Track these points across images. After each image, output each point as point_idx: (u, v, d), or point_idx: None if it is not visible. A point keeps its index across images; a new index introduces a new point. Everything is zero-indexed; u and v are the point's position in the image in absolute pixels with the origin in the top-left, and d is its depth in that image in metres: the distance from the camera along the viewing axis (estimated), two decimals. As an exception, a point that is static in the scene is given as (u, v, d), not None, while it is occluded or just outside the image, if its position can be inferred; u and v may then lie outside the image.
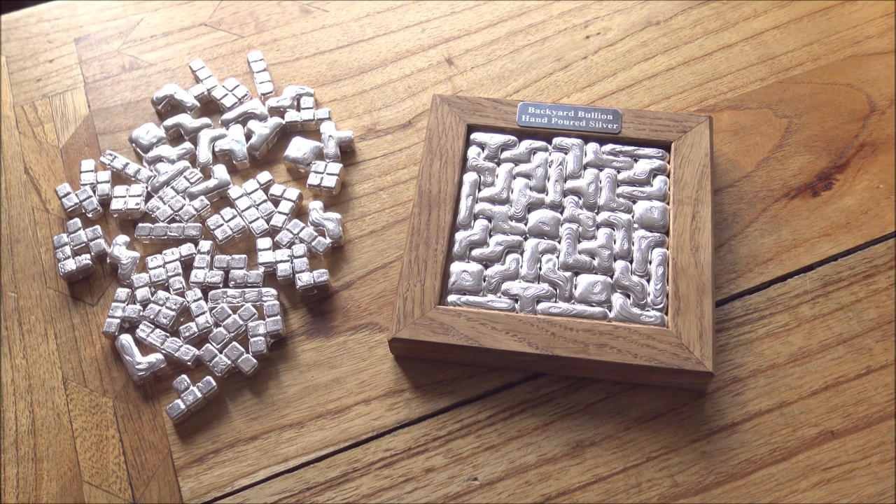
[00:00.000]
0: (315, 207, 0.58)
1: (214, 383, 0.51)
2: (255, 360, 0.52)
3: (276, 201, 0.58)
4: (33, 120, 0.64)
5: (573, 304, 0.51)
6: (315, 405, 0.51)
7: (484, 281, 0.52)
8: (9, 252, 0.58)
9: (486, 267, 0.53)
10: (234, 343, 0.52)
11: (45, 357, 0.54)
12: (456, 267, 0.53)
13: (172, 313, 0.53)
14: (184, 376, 0.51)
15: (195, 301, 0.54)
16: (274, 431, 0.50)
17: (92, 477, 0.50)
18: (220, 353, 0.52)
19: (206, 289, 0.55)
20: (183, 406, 0.50)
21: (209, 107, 0.64)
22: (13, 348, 0.54)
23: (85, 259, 0.56)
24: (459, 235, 0.54)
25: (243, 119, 0.62)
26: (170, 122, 0.62)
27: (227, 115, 0.62)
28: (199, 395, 0.51)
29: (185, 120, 0.62)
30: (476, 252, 0.53)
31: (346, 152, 0.61)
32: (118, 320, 0.54)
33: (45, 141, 0.63)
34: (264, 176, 0.59)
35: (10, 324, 0.55)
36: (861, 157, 0.58)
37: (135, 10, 0.70)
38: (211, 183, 0.59)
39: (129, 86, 0.65)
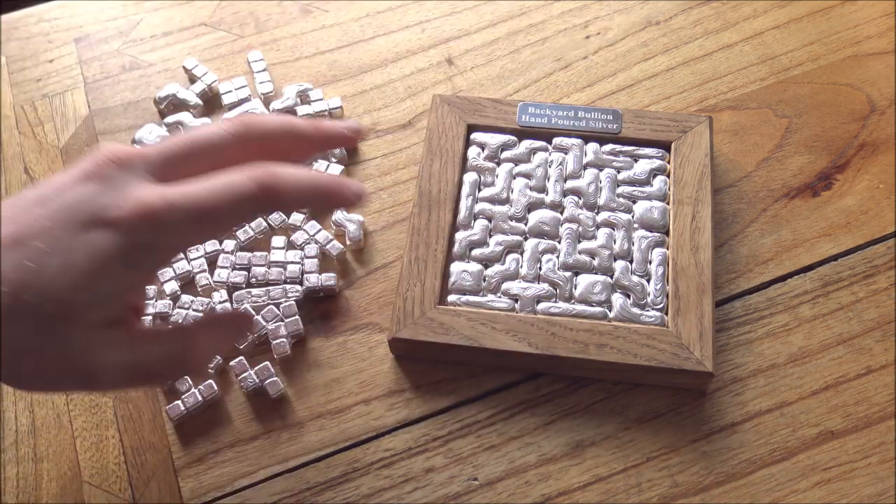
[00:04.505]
0: None
1: (216, 387, 0.51)
2: (281, 385, 0.51)
3: None
4: (33, 120, 0.64)
5: (573, 304, 0.51)
6: (315, 405, 0.51)
7: (484, 281, 0.52)
8: (9, 252, 0.58)
9: (486, 267, 0.53)
10: (267, 363, 0.51)
11: (45, 357, 0.54)
12: (456, 267, 0.53)
13: (198, 315, 0.53)
14: (186, 377, 0.51)
15: (220, 303, 0.54)
16: (274, 431, 0.50)
17: (92, 477, 0.50)
18: (251, 369, 0.51)
19: (230, 289, 0.54)
20: (183, 407, 0.50)
21: (211, 103, 0.64)
22: (13, 348, 0.54)
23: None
24: (459, 235, 0.54)
25: (243, 119, 0.62)
26: (170, 119, 0.62)
27: (229, 115, 0.62)
28: (200, 396, 0.51)
29: (187, 118, 0.62)
30: (476, 252, 0.53)
31: (347, 152, 0.61)
32: (150, 317, 0.53)
33: (45, 141, 0.63)
34: None
35: (10, 324, 0.55)
36: (861, 157, 0.58)
37: (135, 10, 0.70)
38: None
39: (130, 86, 0.65)
